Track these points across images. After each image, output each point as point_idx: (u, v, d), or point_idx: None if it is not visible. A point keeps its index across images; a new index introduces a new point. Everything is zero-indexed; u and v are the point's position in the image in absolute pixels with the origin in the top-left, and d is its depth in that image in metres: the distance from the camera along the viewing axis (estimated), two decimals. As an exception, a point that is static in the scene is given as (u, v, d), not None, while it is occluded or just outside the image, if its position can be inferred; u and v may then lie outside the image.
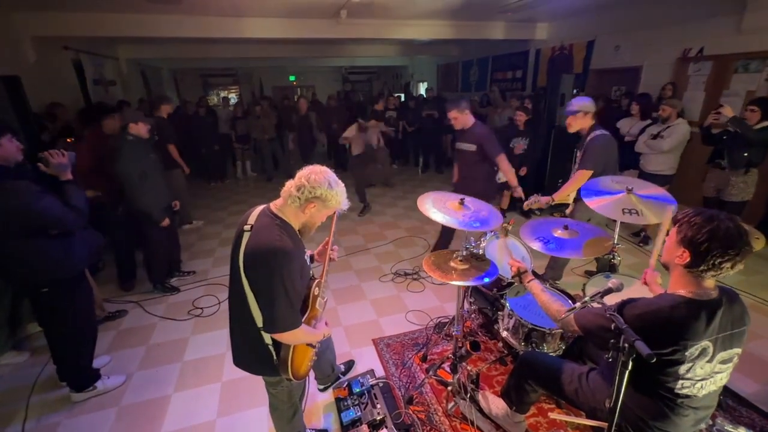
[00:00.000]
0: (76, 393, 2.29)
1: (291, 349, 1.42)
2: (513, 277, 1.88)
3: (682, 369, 1.18)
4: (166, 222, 3.18)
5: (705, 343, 1.17)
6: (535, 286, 1.70)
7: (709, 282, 1.19)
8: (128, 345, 2.80)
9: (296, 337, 1.38)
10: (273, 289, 1.28)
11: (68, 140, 3.43)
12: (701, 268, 1.15)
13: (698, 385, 1.22)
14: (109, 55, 7.19)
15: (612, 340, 1.05)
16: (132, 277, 3.60)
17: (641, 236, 4.27)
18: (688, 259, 1.17)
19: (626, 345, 0.98)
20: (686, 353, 1.16)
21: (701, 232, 1.13)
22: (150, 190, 3.03)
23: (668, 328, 1.16)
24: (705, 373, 1.21)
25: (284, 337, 1.37)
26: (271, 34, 5.82)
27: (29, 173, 1.95)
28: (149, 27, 5.23)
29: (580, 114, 2.80)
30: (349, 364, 2.46)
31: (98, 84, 6.63)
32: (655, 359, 0.93)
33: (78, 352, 2.25)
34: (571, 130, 2.90)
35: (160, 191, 3.20)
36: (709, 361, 1.20)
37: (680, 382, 1.20)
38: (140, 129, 3.04)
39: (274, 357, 1.44)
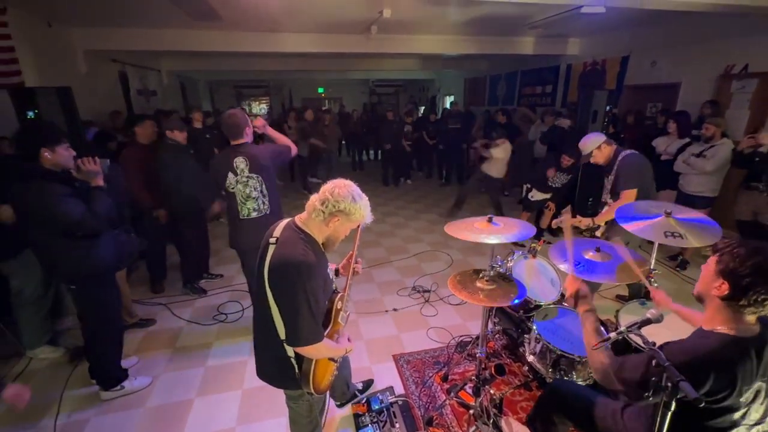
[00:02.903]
0: (104, 391, 2.37)
1: (313, 363, 1.42)
2: (567, 299, 1.67)
3: (737, 415, 1.10)
4: (217, 206, 3.30)
5: (758, 384, 1.09)
6: (590, 321, 1.43)
7: (750, 317, 1.11)
8: (155, 347, 2.88)
9: (318, 351, 1.38)
10: (296, 302, 1.28)
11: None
12: (741, 302, 1.07)
13: (753, 430, 1.13)
14: (152, 67, 7.64)
15: (653, 378, 0.99)
16: (162, 279, 3.73)
17: (678, 260, 4.05)
18: (727, 292, 1.09)
19: (669, 384, 0.92)
20: (741, 399, 1.07)
21: (744, 265, 1.06)
22: (185, 188, 3.21)
23: (721, 372, 1.06)
24: (758, 417, 1.13)
25: (306, 351, 1.37)
26: (305, 48, 6.03)
27: (65, 176, 2.04)
28: (192, 42, 5.54)
29: (602, 146, 2.83)
30: (368, 383, 2.41)
31: (141, 94, 7.03)
32: (703, 403, 0.86)
33: (102, 350, 2.34)
34: (602, 162, 2.90)
35: (195, 192, 3.34)
36: (762, 403, 1.11)
37: (735, 430, 1.12)
38: (176, 135, 3.24)
39: (296, 370, 1.44)
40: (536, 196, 4.60)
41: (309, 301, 1.29)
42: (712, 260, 1.16)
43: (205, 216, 3.65)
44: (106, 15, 4.55)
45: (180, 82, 9.55)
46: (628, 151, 2.81)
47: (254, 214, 2.58)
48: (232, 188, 2.52)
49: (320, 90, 14.95)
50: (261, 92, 14.60)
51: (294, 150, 2.72)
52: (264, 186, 2.57)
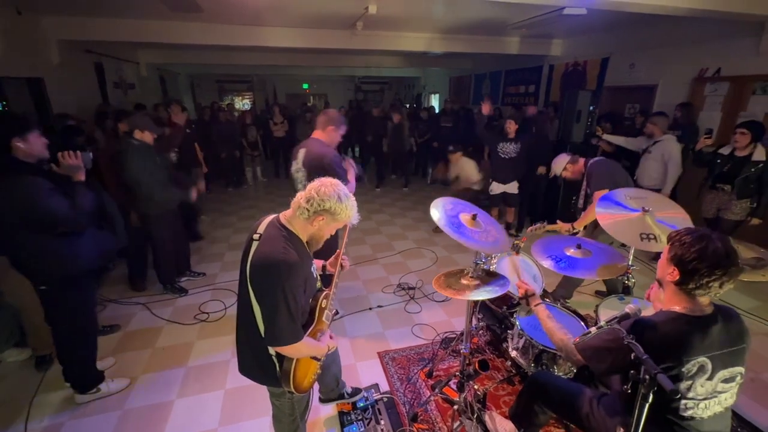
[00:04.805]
0: (79, 394, 2.29)
1: (294, 362, 1.40)
2: (520, 299, 1.87)
3: (683, 386, 1.17)
4: (194, 193, 3.26)
5: (702, 359, 1.16)
6: (542, 310, 1.66)
7: (703, 299, 1.20)
8: (133, 347, 2.80)
9: (298, 350, 1.36)
10: (275, 301, 1.27)
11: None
12: (690, 286, 1.17)
13: (702, 405, 1.20)
14: (129, 59, 7.38)
15: (632, 371, 1.02)
16: (142, 277, 3.62)
17: (653, 254, 4.20)
18: (678, 277, 1.19)
19: (647, 377, 0.95)
20: (683, 369, 1.15)
21: (689, 252, 1.15)
22: (160, 190, 3.09)
23: (663, 343, 1.16)
24: (706, 392, 1.19)
25: (286, 351, 1.35)
26: (289, 43, 5.94)
27: (46, 171, 1.97)
28: (170, 34, 5.37)
29: (567, 166, 3.07)
30: (357, 391, 2.31)
31: (118, 87, 6.79)
32: (679, 395, 0.90)
33: (79, 352, 2.25)
34: (576, 177, 3.10)
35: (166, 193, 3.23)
36: (709, 379, 1.18)
37: (683, 401, 1.18)
38: (145, 136, 3.06)
39: (277, 368, 1.42)
40: (495, 189, 4.70)
41: (288, 301, 1.27)
42: (666, 248, 1.25)
43: (179, 214, 3.53)
44: (80, 3, 4.36)
45: (159, 75, 9.27)
46: (595, 159, 3.01)
47: None
48: (294, 174, 2.70)
49: (305, 86, 14.78)
50: (244, 87, 14.34)
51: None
52: (307, 181, 2.62)
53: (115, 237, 2.32)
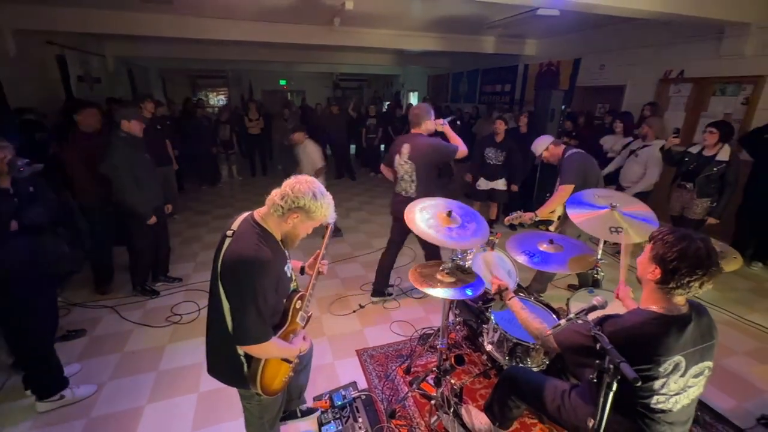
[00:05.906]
0: (39, 402, 2.17)
1: (262, 362, 1.37)
2: (494, 294, 1.90)
3: (657, 384, 1.20)
4: (153, 219, 3.11)
5: (677, 358, 1.20)
6: (515, 303, 1.71)
7: (679, 298, 1.22)
8: (101, 352, 2.68)
9: (266, 350, 1.34)
10: (244, 299, 1.25)
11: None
12: (671, 285, 1.18)
13: (672, 399, 1.24)
14: (95, 52, 7.03)
15: (597, 361, 1.05)
16: (109, 280, 3.47)
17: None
18: (659, 276, 1.20)
19: (611, 366, 0.98)
20: (660, 369, 1.18)
21: (672, 251, 1.16)
22: (140, 188, 2.96)
23: (641, 345, 1.18)
24: (678, 388, 1.23)
25: (253, 350, 1.33)
26: (264, 37, 5.80)
27: None
28: (139, 25, 5.15)
29: (550, 147, 3.04)
30: (311, 411, 2.14)
31: (83, 81, 6.46)
32: (640, 382, 0.93)
33: (33, 355, 2.13)
34: (552, 161, 3.09)
35: (151, 191, 3.10)
36: (682, 376, 1.22)
37: (655, 397, 1.22)
38: (132, 127, 2.95)
39: (245, 368, 1.39)
40: (483, 185, 4.76)
41: (257, 299, 1.25)
42: (648, 247, 1.27)
43: (163, 213, 3.40)
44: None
45: (128, 69, 8.88)
46: (574, 150, 2.98)
47: (402, 193, 2.99)
48: (400, 167, 2.94)
49: (282, 82, 14.52)
50: (219, 83, 13.93)
51: (462, 153, 2.85)
52: (415, 173, 2.88)
53: (78, 240, 2.21)
